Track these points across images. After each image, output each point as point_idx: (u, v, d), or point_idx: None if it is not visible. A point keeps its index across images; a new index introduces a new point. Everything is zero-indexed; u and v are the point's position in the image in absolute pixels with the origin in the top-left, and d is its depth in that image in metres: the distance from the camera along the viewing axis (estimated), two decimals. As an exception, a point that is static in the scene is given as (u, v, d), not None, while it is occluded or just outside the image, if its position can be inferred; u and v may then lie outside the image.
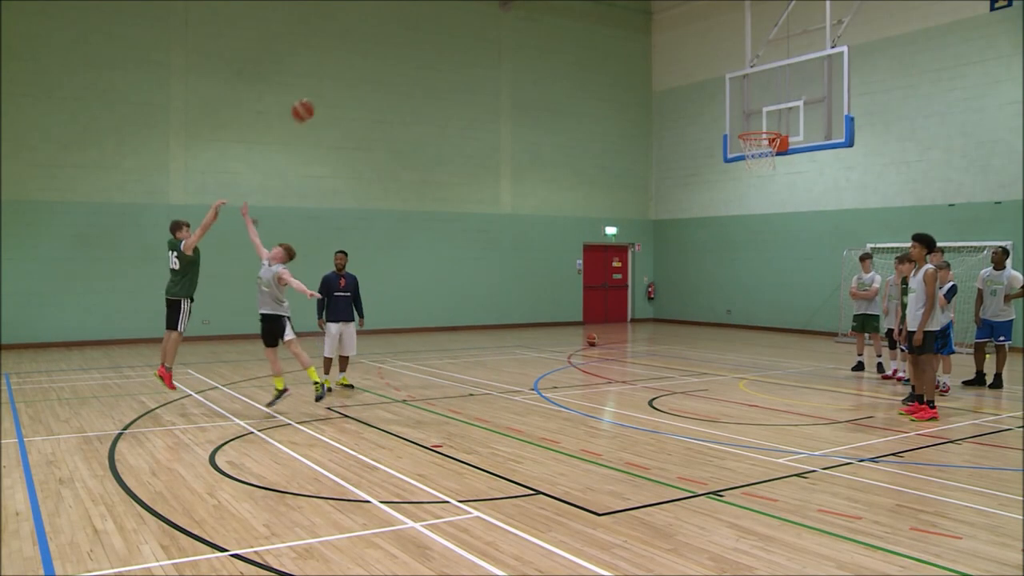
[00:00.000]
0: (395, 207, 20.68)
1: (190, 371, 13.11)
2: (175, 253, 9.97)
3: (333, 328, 11.19)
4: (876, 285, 12.71)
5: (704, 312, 23.31)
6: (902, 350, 11.30)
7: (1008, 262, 11.86)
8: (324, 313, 11.21)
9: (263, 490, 6.29)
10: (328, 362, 11.35)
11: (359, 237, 20.08)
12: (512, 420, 9.13)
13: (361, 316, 11.48)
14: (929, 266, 9.41)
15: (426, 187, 21.14)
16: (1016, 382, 12.02)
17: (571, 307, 23.60)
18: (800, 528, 5.37)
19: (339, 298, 11.20)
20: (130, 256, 17.39)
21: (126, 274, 17.08)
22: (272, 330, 9.61)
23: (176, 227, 10.11)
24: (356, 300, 11.41)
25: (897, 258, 10.44)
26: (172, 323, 9.92)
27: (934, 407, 9.22)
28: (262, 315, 9.61)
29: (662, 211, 24.75)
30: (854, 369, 13.24)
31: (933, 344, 9.42)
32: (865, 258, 12.98)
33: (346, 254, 11.58)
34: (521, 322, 22.49)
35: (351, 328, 11.33)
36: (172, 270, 9.99)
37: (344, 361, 11.47)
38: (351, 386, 11.39)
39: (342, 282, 11.26)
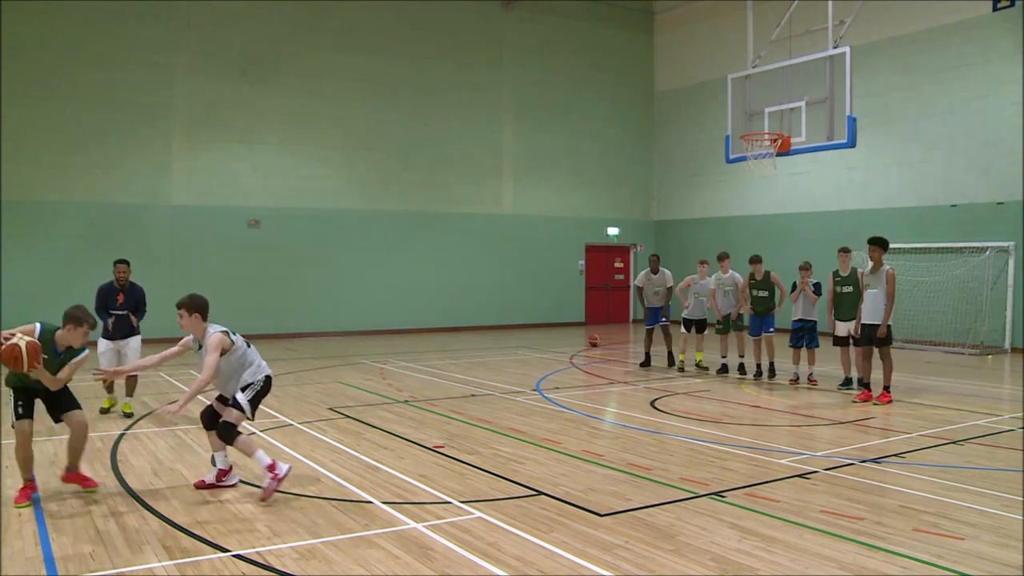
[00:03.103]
0: (397, 208, 20.68)
1: (192, 371, 13.11)
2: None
3: (113, 345, 9.50)
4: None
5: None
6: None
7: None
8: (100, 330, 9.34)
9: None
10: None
11: (361, 238, 20.11)
12: (514, 421, 9.13)
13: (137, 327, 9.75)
14: (888, 267, 10.23)
15: (428, 188, 21.14)
16: (1017, 382, 12.00)
17: (573, 308, 23.59)
18: (802, 529, 5.37)
19: (114, 316, 9.55)
20: (132, 257, 17.19)
21: (128, 274, 17.04)
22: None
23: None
24: (138, 313, 9.78)
25: (840, 249, 11.22)
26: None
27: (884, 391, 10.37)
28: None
29: (664, 212, 24.73)
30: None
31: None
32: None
33: (128, 264, 9.89)
34: (523, 323, 22.48)
35: (134, 343, 9.66)
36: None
37: (131, 383, 9.51)
38: (131, 414, 9.55)
39: (120, 298, 9.62)
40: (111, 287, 9.68)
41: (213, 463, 6.43)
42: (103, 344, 9.52)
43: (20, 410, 6.07)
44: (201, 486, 6.36)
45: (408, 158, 20.83)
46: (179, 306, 6.24)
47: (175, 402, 6.20)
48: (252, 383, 6.28)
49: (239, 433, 6.17)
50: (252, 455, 6.13)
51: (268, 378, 6.43)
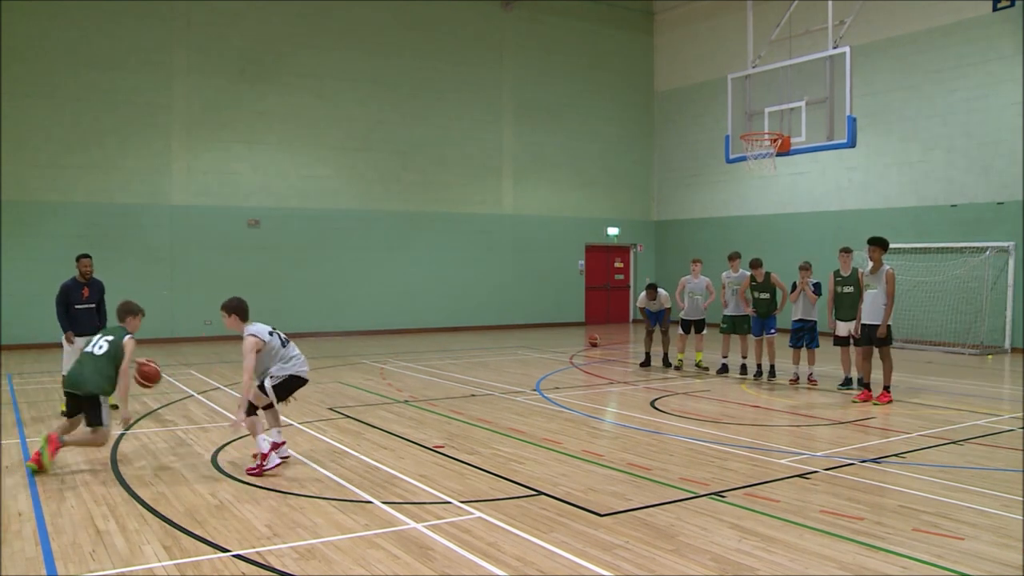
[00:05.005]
0: (397, 208, 20.68)
1: (192, 371, 13.12)
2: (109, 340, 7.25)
3: (80, 342, 9.19)
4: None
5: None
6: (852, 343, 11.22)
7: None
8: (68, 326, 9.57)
9: (265, 490, 6.29)
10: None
11: (361, 238, 20.11)
12: (514, 421, 9.13)
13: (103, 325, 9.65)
14: (888, 267, 10.16)
15: (428, 188, 21.15)
16: (1017, 382, 12.00)
17: (573, 308, 23.60)
18: (802, 529, 5.37)
19: (81, 311, 9.65)
20: (132, 257, 17.40)
21: (128, 275, 17.04)
22: None
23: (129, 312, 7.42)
24: (100, 310, 9.90)
25: (842, 250, 11.24)
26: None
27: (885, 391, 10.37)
28: None
29: (664, 212, 24.73)
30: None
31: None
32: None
33: (91, 258, 9.92)
34: (523, 323, 22.48)
35: None
36: (91, 354, 7.21)
37: None
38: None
39: (85, 292, 9.73)
40: (75, 282, 9.79)
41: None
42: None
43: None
44: (254, 468, 6.91)
45: (408, 158, 20.83)
46: (222, 309, 7.07)
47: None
48: (277, 375, 6.96)
49: (255, 413, 6.91)
50: (254, 435, 6.85)
51: (292, 377, 7.03)
